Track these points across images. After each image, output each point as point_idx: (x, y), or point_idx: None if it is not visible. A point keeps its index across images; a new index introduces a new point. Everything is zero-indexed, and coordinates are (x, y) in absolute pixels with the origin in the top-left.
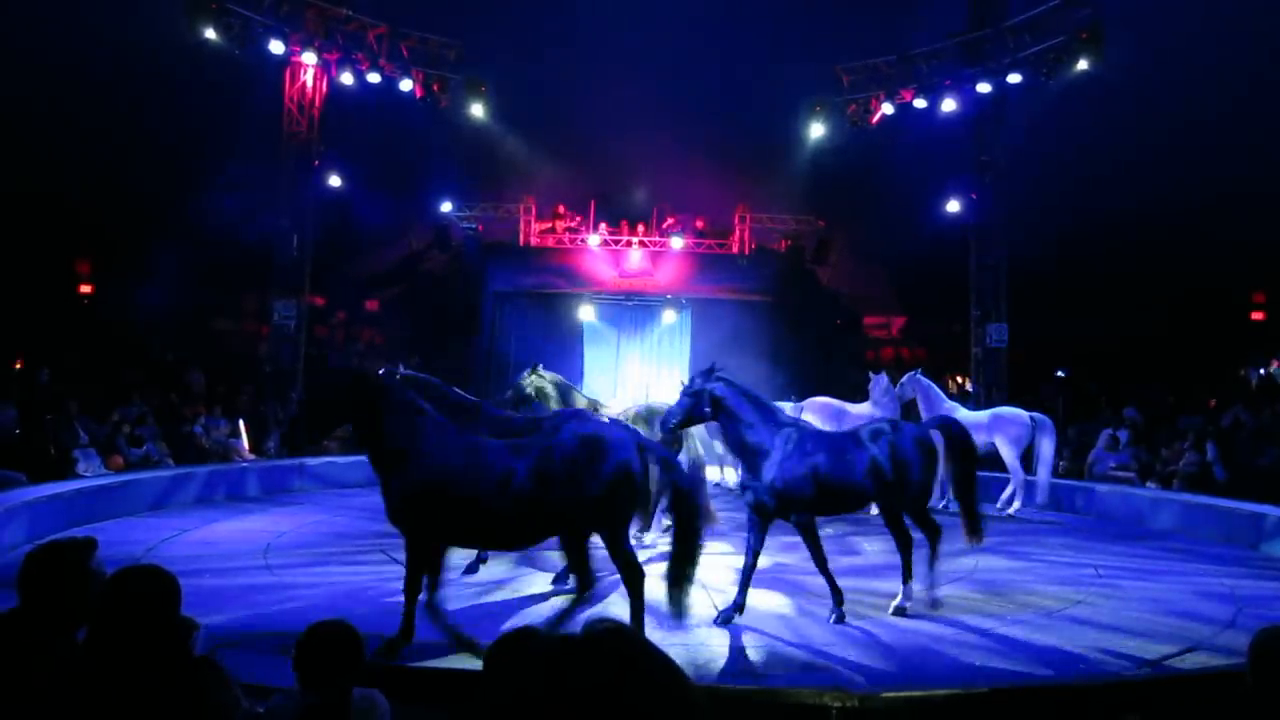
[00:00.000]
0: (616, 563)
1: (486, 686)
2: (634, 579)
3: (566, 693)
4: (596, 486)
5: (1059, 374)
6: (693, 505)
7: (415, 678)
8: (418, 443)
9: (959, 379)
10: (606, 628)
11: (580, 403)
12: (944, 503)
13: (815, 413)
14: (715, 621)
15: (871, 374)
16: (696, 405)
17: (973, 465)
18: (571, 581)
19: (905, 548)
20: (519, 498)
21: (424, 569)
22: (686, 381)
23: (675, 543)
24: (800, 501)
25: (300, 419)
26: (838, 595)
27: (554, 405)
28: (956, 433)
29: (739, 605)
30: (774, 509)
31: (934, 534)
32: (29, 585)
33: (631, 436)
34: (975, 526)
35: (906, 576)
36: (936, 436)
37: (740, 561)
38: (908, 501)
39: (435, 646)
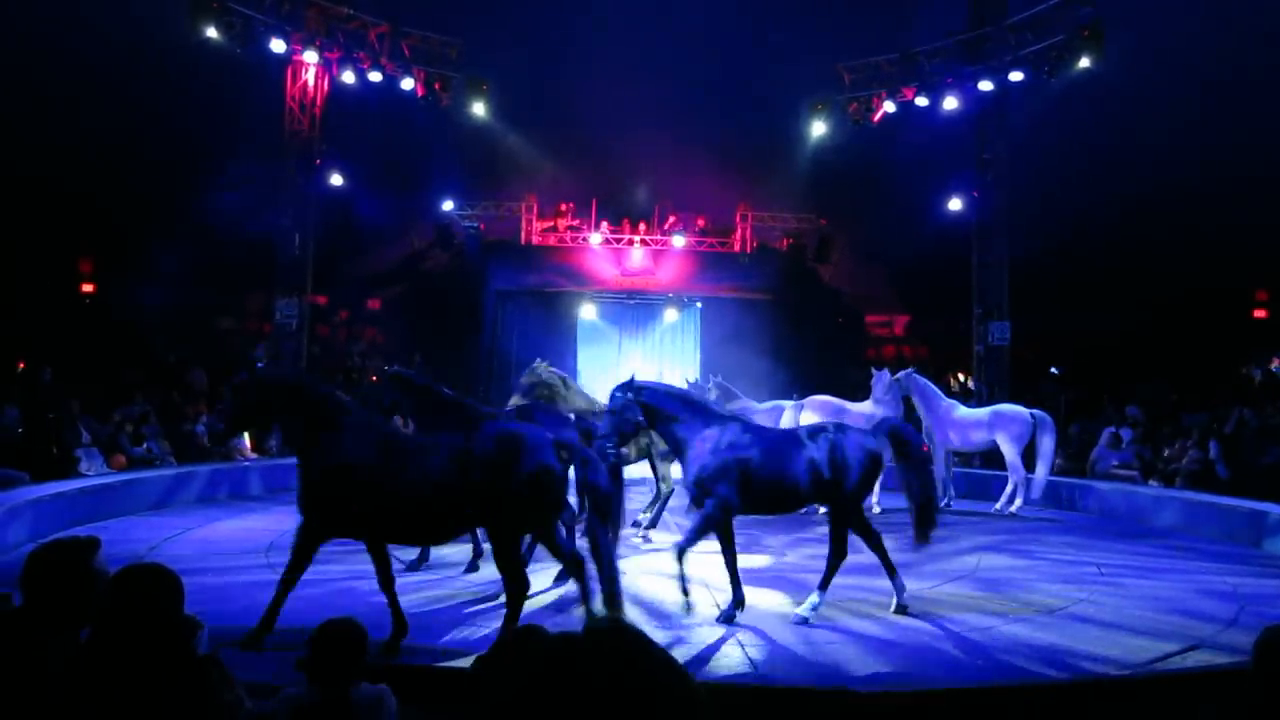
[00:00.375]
0: (554, 555)
1: (488, 685)
2: (574, 570)
3: (568, 691)
4: (514, 485)
5: (1053, 371)
6: (607, 507)
7: (415, 677)
8: (331, 438)
9: (961, 376)
10: (608, 625)
11: (578, 402)
12: (945, 500)
13: (816, 411)
14: (717, 620)
15: (874, 370)
16: (625, 419)
17: (925, 468)
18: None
19: (876, 546)
20: (433, 494)
21: (305, 557)
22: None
23: (589, 547)
24: (715, 491)
25: (222, 420)
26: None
27: (562, 399)
28: (906, 436)
29: (739, 601)
30: (694, 498)
31: (838, 556)
32: (32, 584)
33: (550, 436)
34: (924, 531)
35: (891, 573)
36: (883, 442)
37: (743, 561)
38: (835, 504)
39: (435, 647)
